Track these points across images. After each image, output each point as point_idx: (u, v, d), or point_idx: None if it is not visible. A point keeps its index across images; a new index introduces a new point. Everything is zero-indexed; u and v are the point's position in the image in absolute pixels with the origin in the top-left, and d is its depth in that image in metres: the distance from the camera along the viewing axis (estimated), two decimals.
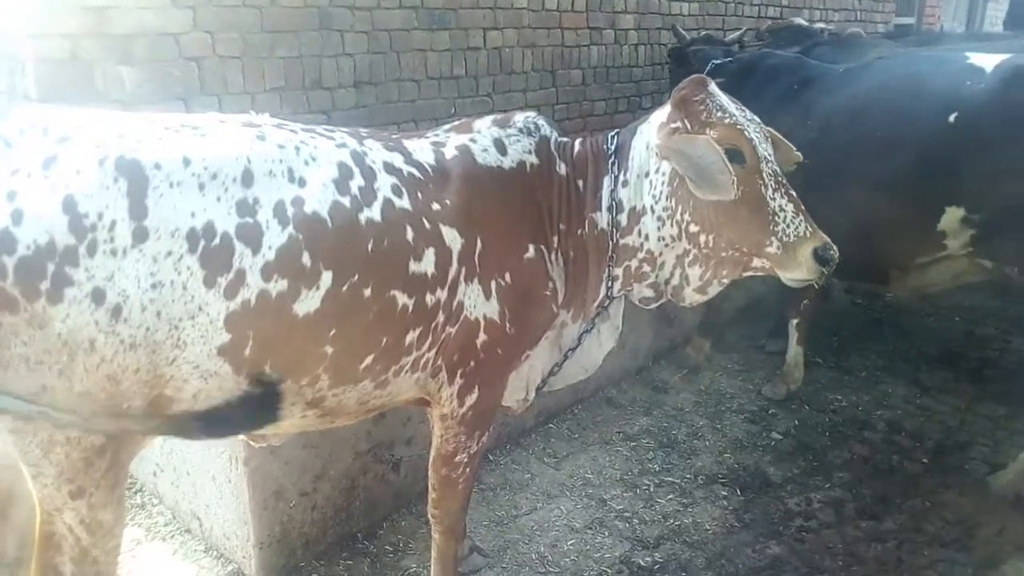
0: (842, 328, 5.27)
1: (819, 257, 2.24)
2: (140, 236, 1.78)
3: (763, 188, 2.26)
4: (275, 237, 1.93)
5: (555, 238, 2.44)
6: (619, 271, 2.49)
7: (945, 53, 4.22)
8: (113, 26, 3.21)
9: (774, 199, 2.27)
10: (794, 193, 2.30)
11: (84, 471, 1.90)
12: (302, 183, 2.01)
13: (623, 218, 2.44)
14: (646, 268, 2.48)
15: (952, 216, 3.39)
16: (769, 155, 2.30)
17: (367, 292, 2.06)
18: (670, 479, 3.60)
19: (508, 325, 2.33)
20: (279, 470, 2.87)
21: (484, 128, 2.44)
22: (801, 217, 2.28)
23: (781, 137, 2.48)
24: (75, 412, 1.82)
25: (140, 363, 1.84)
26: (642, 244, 2.44)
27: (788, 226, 2.26)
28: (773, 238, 2.27)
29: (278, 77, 3.77)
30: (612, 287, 2.51)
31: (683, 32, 5.51)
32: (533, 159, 2.43)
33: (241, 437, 2.60)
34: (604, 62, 5.79)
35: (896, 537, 3.18)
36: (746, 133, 2.26)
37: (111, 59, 3.26)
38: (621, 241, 2.45)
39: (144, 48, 3.29)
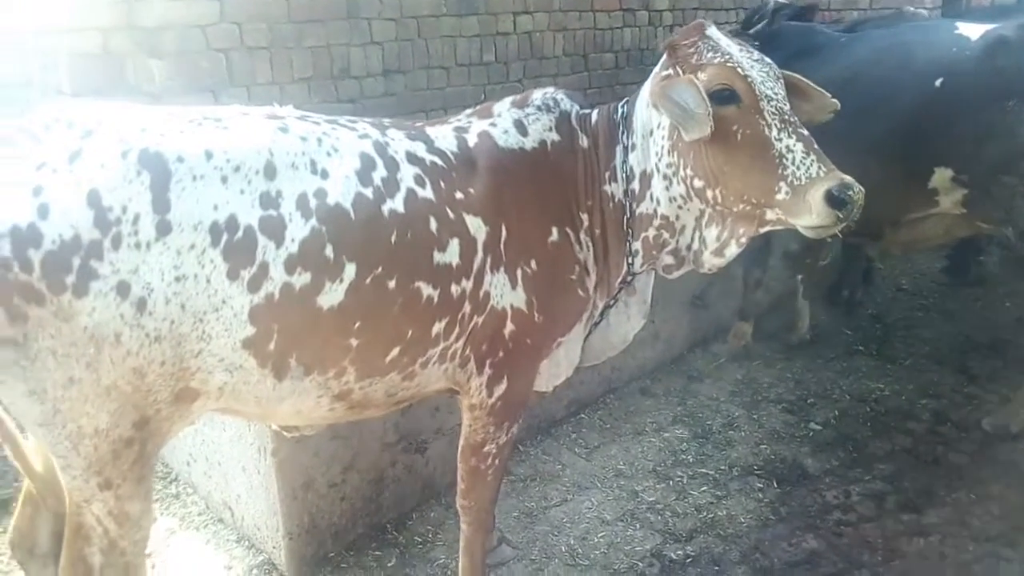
0: (886, 315, 5.12)
1: (832, 199, 1.99)
2: (163, 229, 1.79)
3: (765, 128, 2.07)
4: (298, 230, 1.93)
5: (584, 216, 2.39)
6: (638, 244, 2.40)
7: (935, 22, 4.40)
8: (142, 19, 3.23)
9: (779, 139, 2.06)
10: (806, 131, 2.10)
11: (112, 463, 1.92)
12: (324, 175, 2.00)
13: (636, 185, 2.36)
14: (665, 235, 2.38)
15: (942, 176, 3.54)
16: (775, 94, 2.11)
17: (391, 284, 2.05)
18: (704, 471, 3.53)
19: (536, 314, 2.30)
20: (308, 461, 2.88)
21: (504, 110, 2.40)
22: (813, 157, 2.05)
23: (812, 84, 2.29)
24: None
25: (165, 356, 1.85)
26: (655, 210, 2.34)
27: (798, 168, 2.04)
28: (782, 183, 2.06)
29: (306, 67, 3.76)
30: (633, 262, 2.42)
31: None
32: (554, 136, 2.37)
33: (273, 427, 2.62)
34: (638, 44, 5.67)
35: (939, 531, 3.07)
36: (739, 71, 2.10)
37: (141, 52, 3.28)
38: (637, 210, 2.37)
39: (173, 41, 3.30)
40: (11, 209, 1.70)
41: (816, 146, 2.08)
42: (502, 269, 2.24)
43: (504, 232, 2.23)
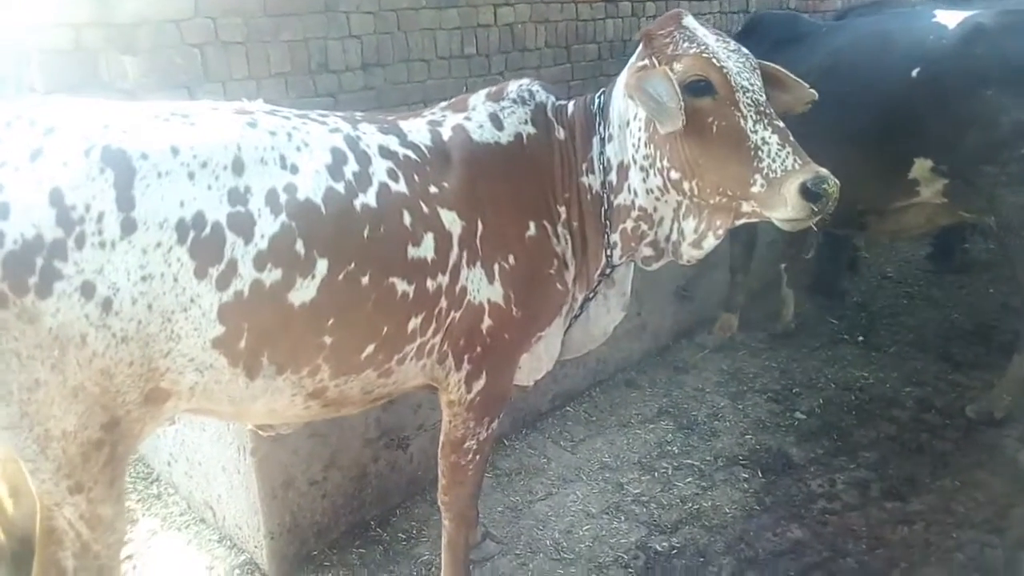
0: (871, 303, 5.13)
1: (807, 192, 1.97)
2: (128, 227, 1.75)
3: (741, 120, 2.05)
4: (267, 226, 1.89)
5: (561, 209, 2.37)
6: (616, 236, 2.38)
7: (914, 11, 4.34)
8: (115, 15, 3.17)
9: (755, 131, 2.04)
10: (781, 124, 2.07)
11: (82, 466, 1.89)
12: (294, 170, 1.97)
13: (613, 177, 2.33)
14: (644, 227, 2.36)
15: (921, 167, 3.52)
16: (751, 85, 2.09)
17: (365, 280, 2.03)
18: (689, 462, 3.53)
19: (514, 308, 2.28)
20: (287, 459, 2.85)
21: (479, 104, 2.37)
22: (789, 149, 2.02)
23: (790, 75, 2.27)
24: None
25: (133, 356, 1.82)
26: (633, 201, 2.32)
27: (774, 160, 2.02)
28: (757, 175, 2.03)
29: (283, 62, 3.71)
30: (612, 254, 2.40)
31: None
32: (529, 129, 2.35)
33: (249, 427, 2.59)
34: (621, 36, 5.63)
35: (924, 519, 3.07)
36: (715, 61, 2.07)
37: (114, 48, 3.23)
38: (615, 202, 2.34)
39: (147, 36, 3.25)
40: None
41: (792, 138, 2.05)
42: (478, 264, 2.22)
43: (480, 227, 2.21)
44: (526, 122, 2.35)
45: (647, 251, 2.43)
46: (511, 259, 2.25)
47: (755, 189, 2.05)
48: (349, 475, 3.05)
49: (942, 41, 3.45)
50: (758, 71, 2.16)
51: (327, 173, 2.01)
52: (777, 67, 2.27)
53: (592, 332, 2.62)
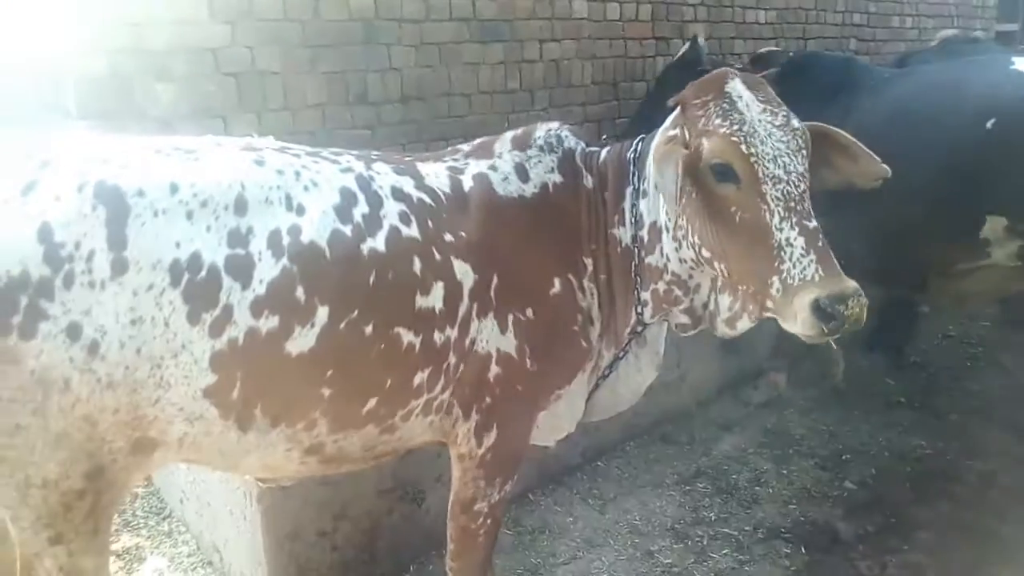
0: (931, 363, 4.80)
1: (819, 310, 1.76)
2: (119, 268, 1.69)
3: (766, 214, 1.84)
4: (267, 270, 1.80)
5: (588, 261, 2.22)
6: (647, 295, 2.20)
7: (988, 57, 4.08)
8: (151, 42, 3.16)
9: (780, 229, 1.83)
10: (813, 224, 1.85)
11: (63, 516, 1.81)
12: (300, 211, 1.88)
13: (644, 234, 2.16)
14: (677, 292, 2.18)
15: (994, 225, 3.29)
16: (785, 174, 1.86)
17: (368, 329, 1.91)
18: (726, 530, 3.28)
19: (529, 361, 2.13)
20: (296, 508, 2.71)
21: (505, 151, 2.24)
22: (813, 256, 1.80)
23: (861, 146, 2.03)
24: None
25: (120, 403, 1.74)
26: (666, 265, 2.15)
27: (794, 266, 1.81)
28: (775, 277, 1.83)
29: (320, 92, 3.67)
30: (643, 312, 2.22)
31: (702, 45, 4.69)
32: (556, 178, 2.22)
33: (247, 477, 2.46)
34: None
35: None
36: (742, 148, 1.86)
37: (149, 75, 3.21)
38: (646, 259, 2.17)
39: (182, 64, 3.23)
40: None
41: (821, 242, 1.83)
42: (490, 315, 2.08)
43: (495, 280, 2.08)
44: (552, 170, 2.22)
45: (683, 318, 2.25)
46: (529, 312, 2.11)
47: (772, 291, 1.86)
48: (360, 527, 2.90)
49: (1021, 91, 3.22)
50: (805, 151, 1.92)
51: (334, 214, 1.91)
52: (847, 136, 2.04)
53: (621, 393, 2.44)
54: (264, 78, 3.45)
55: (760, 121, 1.89)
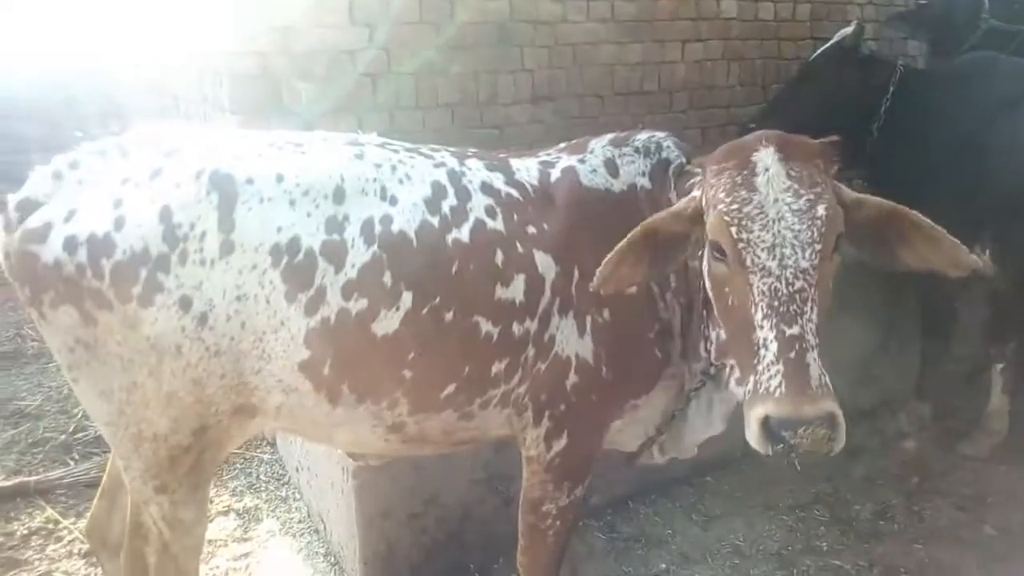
0: None
1: (767, 428, 1.58)
2: (227, 248, 1.86)
3: (752, 306, 1.66)
4: (359, 255, 1.93)
5: (671, 276, 2.13)
6: (713, 335, 2.06)
7: None
8: (296, 44, 3.39)
9: (761, 327, 1.64)
10: (793, 330, 1.60)
11: (169, 468, 2.00)
12: (393, 201, 2.00)
13: None
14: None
15: None
16: (777, 268, 1.65)
17: (448, 316, 1.99)
18: (838, 563, 3.06)
19: (604, 368, 2.10)
20: (388, 488, 2.83)
21: (598, 147, 2.24)
22: (779, 367, 1.58)
23: (948, 235, 1.74)
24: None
25: (225, 370, 1.91)
26: None
27: (762, 372, 1.61)
28: (751, 376, 1.65)
29: (452, 93, 3.77)
30: (711, 351, 2.09)
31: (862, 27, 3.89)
32: (646, 182, 2.18)
33: (339, 451, 2.61)
34: None
35: None
36: (733, 231, 1.69)
37: (294, 75, 3.45)
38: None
39: (322, 65, 3.44)
40: (93, 218, 1.83)
41: (798, 353, 1.59)
42: (571, 314, 2.08)
43: (577, 274, 2.07)
44: (644, 174, 2.19)
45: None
46: (606, 314, 2.08)
47: (748, 387, 1.68)
48: (452, 514, 2.97)
49: None
50: (817, 245, 1.66)
51: (424, 206, 2.01)
52: (930, 223, 1.76)
53: (681, 439, 2.33)
54: (398, 78, 3.60)
55: (774, 201, 1.68)
